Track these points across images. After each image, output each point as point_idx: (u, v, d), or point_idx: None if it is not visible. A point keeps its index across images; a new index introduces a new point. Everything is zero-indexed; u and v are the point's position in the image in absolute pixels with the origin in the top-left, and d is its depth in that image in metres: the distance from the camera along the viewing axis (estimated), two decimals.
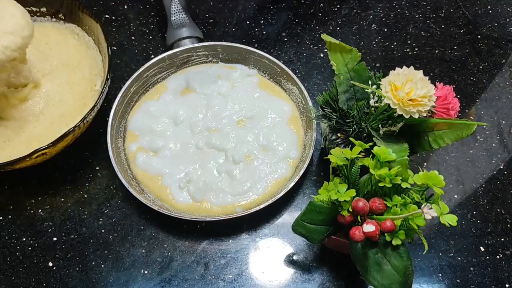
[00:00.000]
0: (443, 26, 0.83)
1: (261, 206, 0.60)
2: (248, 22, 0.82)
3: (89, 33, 0.70)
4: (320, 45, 0.80)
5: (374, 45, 0.80)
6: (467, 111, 0.74)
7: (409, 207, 0.47)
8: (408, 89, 0.49)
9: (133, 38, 0.79)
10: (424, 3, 0.85)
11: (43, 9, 0.71)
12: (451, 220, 0.43)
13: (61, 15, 0.72)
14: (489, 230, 0.64)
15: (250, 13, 0.83)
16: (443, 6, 0.85)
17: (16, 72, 0.62)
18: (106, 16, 0.82)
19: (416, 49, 0.80)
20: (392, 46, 0.80)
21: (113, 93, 0.70)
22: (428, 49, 0.80)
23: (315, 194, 0.52)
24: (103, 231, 0.62)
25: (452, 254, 0.62)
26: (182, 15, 0.76)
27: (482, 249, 0.62)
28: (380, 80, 0.53)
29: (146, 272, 0.60)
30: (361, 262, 0.49)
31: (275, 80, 0.73)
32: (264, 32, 0.81)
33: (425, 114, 0.50)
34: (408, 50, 0.80)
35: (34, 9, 0.71)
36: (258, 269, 0.60)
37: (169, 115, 0.69)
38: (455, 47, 0.80)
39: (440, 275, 0.60)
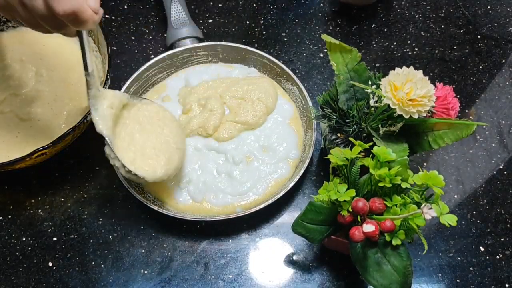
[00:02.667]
0: (443, 26, 0.83)
1: (261, 206, 0.60)
2: (248, 22, 0.82)
3: (89, 33, 0.70)
4: (320, 45, 0.80)
5: (374, 45, 0.80)
6: (466, 111, 0.74)
7: (408, 207, 0.47)
8: (408, 89, 0.49)
9: (133, 38, 0.79)
10: (424, 3, 0.86)
11: None
12: (450, 220, 0.43)
13: None
14: (488, 230, 0.64)
15: (250, 13, 0.83)
16: (443, 6, 0.85)
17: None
18: (106, 16, 0.82)
19: (416, 49, 0.80)
20: (392, 46, 0.80)
21: None
22: (428, 49, 0.80)
23: (315, 194, 0.52)
24: (103, 231, 0.62)
25: (451, 254, 0.62)
26: (182, 15, 0.76)
27: (482, 249, 0.62)
28: (380, 80, 0.53)
29: (146, 272, 0.60)
30: (361, 262, 0.49)
31: (275, 80, 0.73)
32: (264, 32, 0.81)
33: (424, 114, 0.50)
34: (408, 50, 0.80)
35: None
36: (258, 269, 0.60)
37: None
38: (455, 47, 0.80)
39: (439, 275, 0.60)
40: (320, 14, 0.83)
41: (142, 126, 0.59)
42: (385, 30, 0.82)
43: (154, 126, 0.60)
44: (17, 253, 0.61)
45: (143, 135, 0.58)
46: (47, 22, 0.45)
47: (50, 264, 0.60)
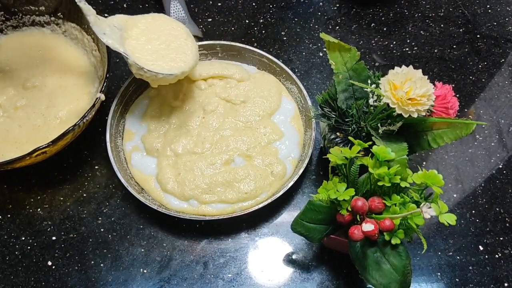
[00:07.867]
0: (442, 25, 0.83)
1: (261, 206, 0.60)
2: (247, 21, 0.82)
3: (88, 32, 0.70)
4: (319, 44, 0.80)
5: (373, 44, 0.80)
6: (466, 110, 0.74)
7: (408, 206, 0.47)
8: (407, 88, 0.49)
9: None
10: (424, 2, 0.85)
11: (42, 8, 0.71)
12: (450, 219, 0.43)
13: (60, 13, 0.71)
14: (488, 229, 0.64)
15: (249, 12, 0.83)
16: (442, 5, 0.85)
17: None
18: (106, 15, 0.81)
19: (415, 48, 0.80)
20: (391, 45, 0.80)
21: (112, 92, 0.70)
22: (427, 48, 0.80)
23: (314, 193, 0.52)
24: (102, 230, 0.62)
25: (451, 253, 0.62)
26: (182, 14, 0.76)
27: (481, 248, 0.62)
28: (379, 79, 0.53)
29: (145, 271, 0.60)
30: (360, 261, 0.49)
31: None
32: (263, 31, 0.81)
33: (424, 113, 0.50)
34: (407, 49, 0.80)
35: (33, 8, 0.71)
36: (257, 268, 0.60)
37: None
38: (454, 46, 0.80)
39: (439, 274, 0.60)
40: (319, 13, 0.83)
41: (151, 36, 0.61)
42: (385, 29, 0.82)
43: (163, 34, 0.62)
44: (16, 252, 0.61)
45: (156, 42, 0.61)
46: None
47: (50, 263, 0.60)
